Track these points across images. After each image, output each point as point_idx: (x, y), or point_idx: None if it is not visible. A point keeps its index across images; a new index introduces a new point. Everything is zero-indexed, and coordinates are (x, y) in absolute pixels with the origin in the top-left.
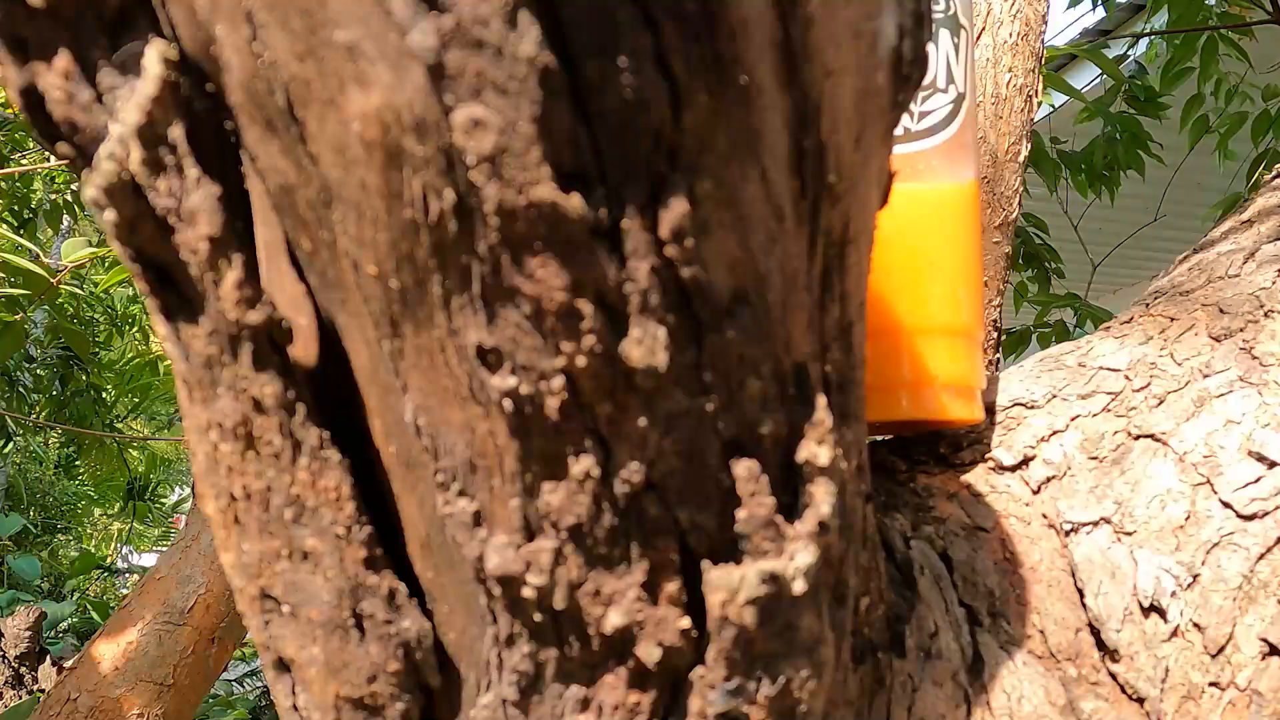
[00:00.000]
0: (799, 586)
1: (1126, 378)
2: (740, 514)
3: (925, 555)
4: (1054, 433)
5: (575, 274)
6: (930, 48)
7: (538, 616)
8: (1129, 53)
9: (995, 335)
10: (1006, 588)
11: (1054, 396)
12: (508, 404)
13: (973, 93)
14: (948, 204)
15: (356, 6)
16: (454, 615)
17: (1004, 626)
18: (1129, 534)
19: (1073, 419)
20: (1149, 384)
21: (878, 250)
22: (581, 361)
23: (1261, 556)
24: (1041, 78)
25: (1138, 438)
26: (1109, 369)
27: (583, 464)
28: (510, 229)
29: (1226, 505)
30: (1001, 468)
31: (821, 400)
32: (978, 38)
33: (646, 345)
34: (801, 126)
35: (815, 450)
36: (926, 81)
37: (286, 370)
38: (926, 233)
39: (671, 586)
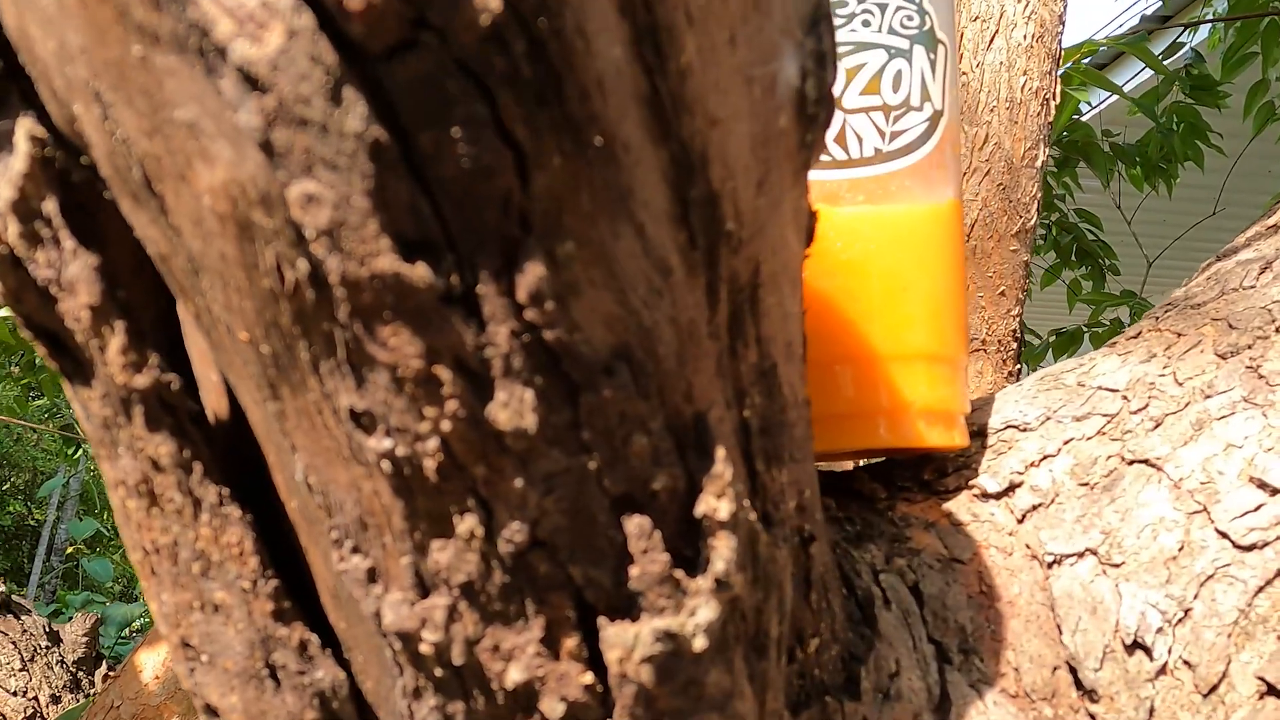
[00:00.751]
0: (699, 644)
1: (1124, 398)
2: (633, 571)
3: (894, 589)
4: (1044, 457)
5: (430, 341)
6: (903, 64)
7: (439, 671)
8: (1184, 40)
9: (1015, 346)
10: (981, 623)
11: (1048, 419)
12: (386, 465)
13: (955, 109)
14: (923, 226)
15: (191, 86)
16: (369, 665)
17: (976, 664)
18: (1116, 566)
19: (1066, 442)
20: (1147, 405)
21: (849, 275)
22: (447, 426)
23: (1260, 590)
24: (1059, 79)
25: (1131, 463)
26: (1107, 389)
27: (467, 523)
28: (358, 299)
29: (1223, 535)
30: (986, 495)
31: (721, 452)
32: (990, 41)
33: (513, 408)
34: (684, 178)
35: (714, 504)
36: (900, 100)
37: (180, 430)
38: (900, 256)
39: (570, 642)
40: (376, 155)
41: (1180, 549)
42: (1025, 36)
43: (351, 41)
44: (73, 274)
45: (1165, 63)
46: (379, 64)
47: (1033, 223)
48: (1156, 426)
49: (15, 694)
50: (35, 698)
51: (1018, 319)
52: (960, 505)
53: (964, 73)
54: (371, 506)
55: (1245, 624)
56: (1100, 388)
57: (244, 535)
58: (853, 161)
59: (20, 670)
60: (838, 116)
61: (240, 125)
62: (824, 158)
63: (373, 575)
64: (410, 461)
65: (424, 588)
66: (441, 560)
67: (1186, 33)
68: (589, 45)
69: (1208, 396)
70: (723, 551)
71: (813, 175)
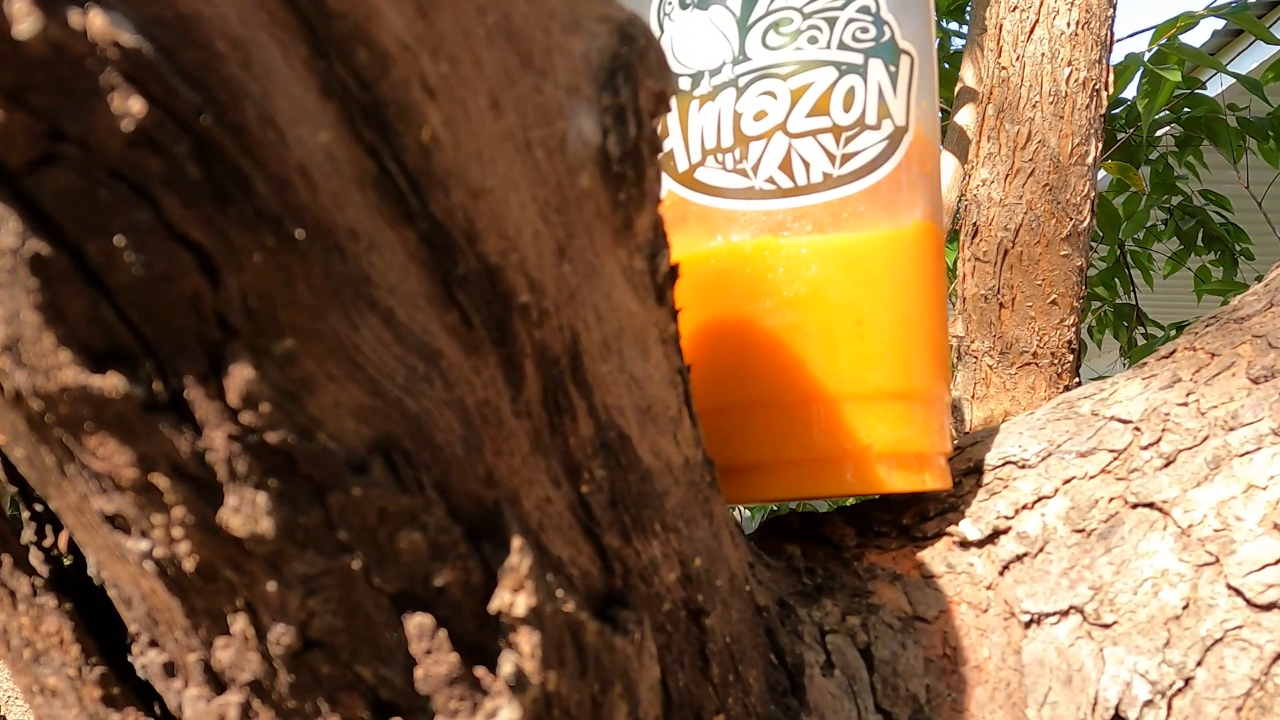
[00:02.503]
0: None
1: (1136, 430)
2: (418, 673)
3: (841, 652)
4: (1039, 499)
5: (139, 450)
6: (855, 81)
7: None
8: None
9: (1071, 358)
10: (941, 690)
11: (1049, 454)
12: (149, 566)
13: (928, 123)
14: (880, 254)
15: None
16: None
17: None
18: (1105, 626)
19: (1066, 482)
20: (1159, 439)
21: (799, 311)
22: (178, 532)
23: (1279, 657)
24: (1112, 69)
25: (1135, 506)
26: (1120, 420)
27: (239, 623)
28: (56, 411)
29: (1236, 591)
30: (966, 543)
31: (517, 542)
32: (1030, 31)
33: (245, 513)
34: (444, 257)
35: (509, 599)
36: (852, 119)
37: None
38: (853, 288)
39: None
40: (39, 269)
41: (1184, 607)
42: (1069, 24)
43: None
44: None
45: None
46: (25, 179)
47: (1085, 224)
48: (1167, 464)
49: None
50: None
51: (1073, 329)
52: (936, 554)
53: (1004, 67)
54: (155, 603)
55: (1260, 696)
56: (1113, 418)
57: (62, 624)
58: (799, 189)
59: None
60: (781, 142)
61: None
62: (767, 186)
63: (170, 670)
64: (172, 562)
65: (219, 683)
66: (224, 659)
67: None
68: (282, 135)
69: (1230, 429)
70: (523, 647)
71: (756, 206)
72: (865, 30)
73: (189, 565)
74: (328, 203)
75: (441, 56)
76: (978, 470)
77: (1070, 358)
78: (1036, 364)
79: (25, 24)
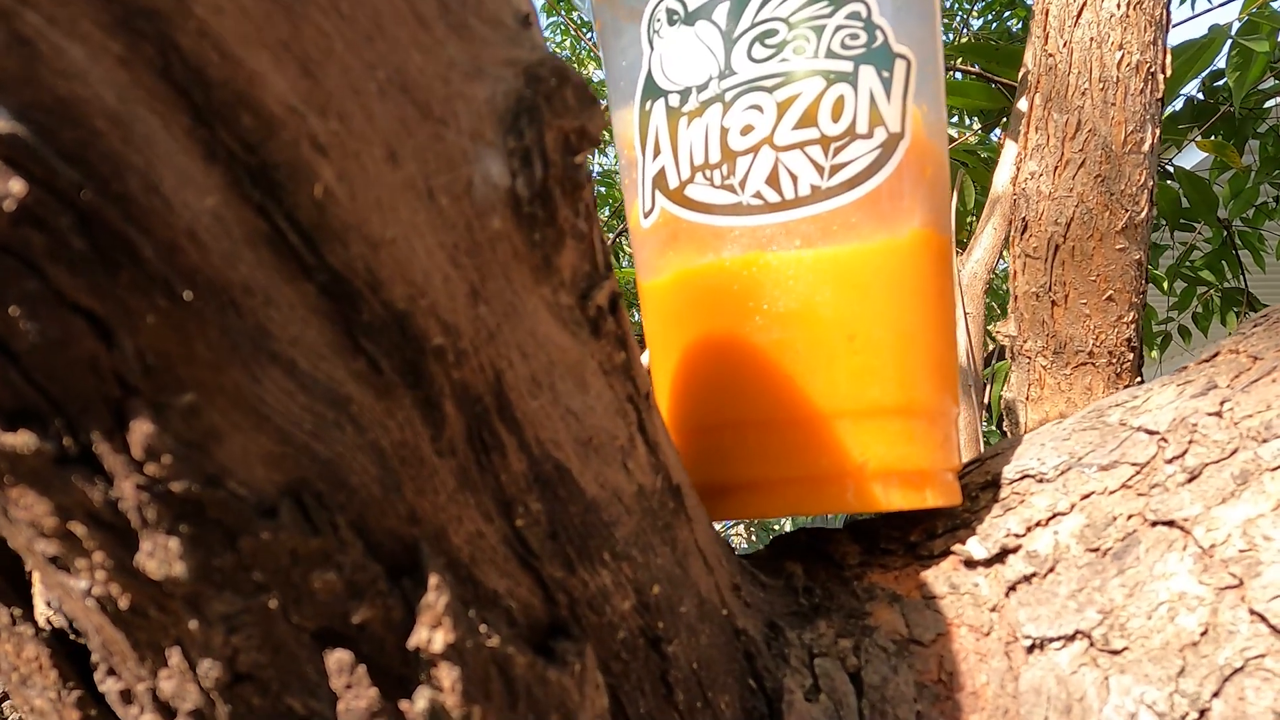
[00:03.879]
0: None
1: (1161, 442)
2: (340, 707)
3: (829, 676)
4: (1053, 516)
5: (55, 500)
6: (845, 89)
7: None
8: None
9: (1131, 356)
10: (933, 717)
11: (1069, 467)
12: (91, 603)
13: (930, 127)
14: (871, 265)
15: None
16: None
17: None
18: (1114, 652)
19: (1084, 497)
20: (1185, 452)
21: (788, 328)
22: (101, 575)
23: None
24: (1168, 51)
25: (1154, 524)
26: (1146, 430)
27: (175, 657)
28: None
29: (1259, 617)
30: (972, 562)
31: (433, 580)
32: (1078, 15)
33: (159, 558)
34: (346, 306)
35: (426, 635)
36: (841, 129)
37: None
38: (844, 302)
39: None
40: None
41: (1203, 633)
42: (1119, 5)
43: None
44: None
45: None
46: None
47: (1143, 215)
48: (1191, 479)
49: None
50: None
51: (1132, 325)
52: (940, 574)
53: (1050, 54)
54: (106, 636)
55: None
56: (1140, 429)
57: (40, 651)
58: (786, 203)
59: None
60: (768, 156)
61: None
62: (755, 202)
63: (126, 696)
64: (109, 600)
65: (169, 711)
66: (168, 689)
67: None
68: (168, 202)
69: (1263, 440)
70: (444, 682)
71: (744, 222)
72: (855, 37)
73: (123, 604)
74: (219, 263)
75: (331, 114)
76: (995, 484)
77: (1130, 357)
78: (1093, 364)
79: None
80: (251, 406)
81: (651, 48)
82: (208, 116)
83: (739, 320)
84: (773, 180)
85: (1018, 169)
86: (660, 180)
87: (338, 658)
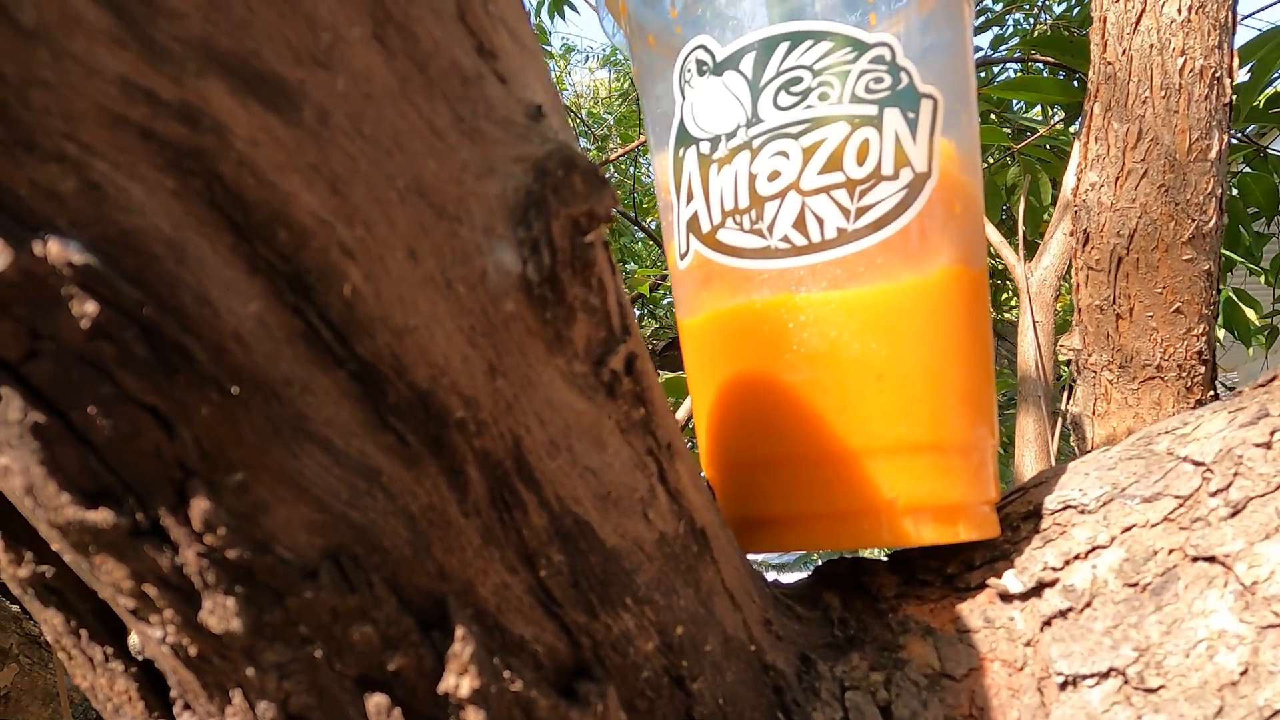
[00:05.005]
0: None
1: (1206, 475)
2: None
3: (859, 709)
4: (1092, 549)
5: (132, 566)
6: (870, 133)
7: None
8: None
9: (1203, 370)
10: None
11: (1111, 499)
12: (165, 649)
13: (962, 162)
14: (898, 305)
15: None
16: None
17: None
18: (1150, 691)
19: (1125, 530)
20: (1229, 485)
21: (816, 368)
22: (171, 629)
23: None
24: (1235, 54)
25: (1195, 560)
26: (1193, 461)
27: (238, 698)
28: (68, 537)
29: None
30: (1008, 596)
31: (460, 631)
32: (1136, 22)
33: (218, 615)
34: (375, 390)
35: (454, 682)
36: (866, 172)
37: (65, 604)
38: (871, 342)
39: None
40: (39, 434)
41: (1243, 673)
42: (1180, 10)
43: None
44: None
45: None
46: (20, 367)
47: (1211, 224)
48: (1234, 514)
49: None
50: None
51: (1202, 338)
52: (975, 607)
53: (1109, 62)
54: (181, 676)
55: None
56: (1186, 459)
57: (129, 685)
58: (813, 246)
59: None
60: (794, 201)
61: None
62: (783, 245)
63: None
64: (180, 647)
65: None
66: None
67: None
68: (216, 311)
69: None
70: None
71: (773, 265)
72: (880, 80)
73: (191, 652)
74: (262, 360)
75: (356, 223)
76: (1036, 514)
77: (1202, 370)
78: (1161, 377)
79: (1, 259)
80: (293, 481)
81: (683, 97)
82: (248, 234)
83: (770, 360)
84: (799, 224)
85: (1078, 180)
86: (694, 224)
87: (376, 701)
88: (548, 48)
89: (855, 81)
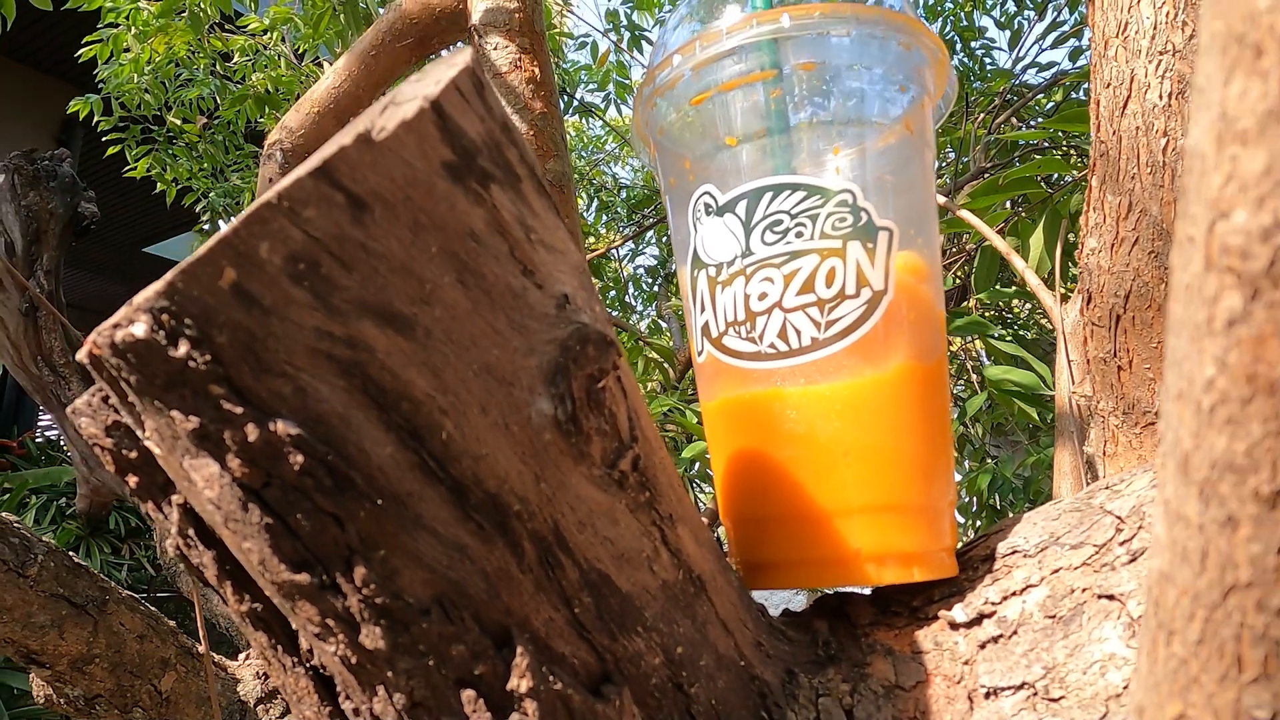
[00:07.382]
0: None
1: (1119, 527)
2: None
3: (829, 712)
4: (1027, 587)
5: (319, 607)
6: (836, 262)
7: None
8: None
9: None
10: None
11: (1047, 546)
12: (337, 659)
13: (928, 269)
14: (861, 397)
15: None
16: None
17: None
18: (1053, 700)
19: (1054, 572)
20: (1134, 536)
21: (797, 446)
22: (341, 647)
23: None
24: None
25: (1099, 597)
26: (1115, 515)
27: (381, 691)
28: (281, 590)
29: None
30: (954, 625)
31: (520, 649)
32: (1123, 106)
33: (369, 637)
34: (461, 497)
35: (516, 683)
36: (833, 293)
37: (269, 629)
38: (840, 426)
39: None
40: (269, 530)
41: (1124, 687)
42: (1161, 96)
43: (243, 481)
44: (204, 560)
45: None
46: (261, 492)
47: None
48: (1132, 560)
49: None
50: None
51: None
52: (929, 633)
53: (1103, 141)
54: (344, 676)
55: None
56: (1110, 513)
57: (307, 683)
58: (793, 351)
59: None
60: (778, 316)
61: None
62: (770, 350)
63: (356, 713)
64: (347, 658)
65: None
66: (378, 709)
67: None
68: (366, 453)
69: None
70: (528, 711)
71: (763, 365)
72: (843, 219)
73: (353, 660)
74: (394, 482)
75: (449, 393)
76: (991, 557)
77: None
78: (1157, 426)
79: (254, 433)
80: (414, 555)
81: (695, 230)
82: (386, 407)
83: (764, 438)
84: (783, 334)
85: (1081, 244)
86: (706, 330)
87: (468, 694)
88: (625, 80)
89: (824, 221)
